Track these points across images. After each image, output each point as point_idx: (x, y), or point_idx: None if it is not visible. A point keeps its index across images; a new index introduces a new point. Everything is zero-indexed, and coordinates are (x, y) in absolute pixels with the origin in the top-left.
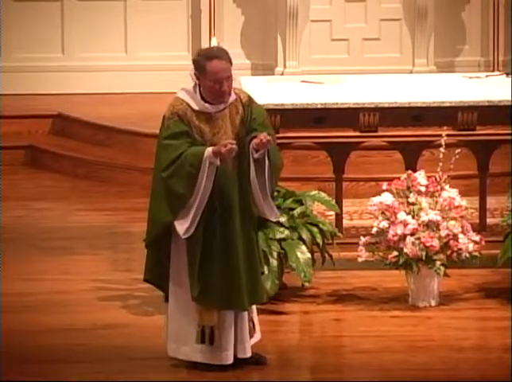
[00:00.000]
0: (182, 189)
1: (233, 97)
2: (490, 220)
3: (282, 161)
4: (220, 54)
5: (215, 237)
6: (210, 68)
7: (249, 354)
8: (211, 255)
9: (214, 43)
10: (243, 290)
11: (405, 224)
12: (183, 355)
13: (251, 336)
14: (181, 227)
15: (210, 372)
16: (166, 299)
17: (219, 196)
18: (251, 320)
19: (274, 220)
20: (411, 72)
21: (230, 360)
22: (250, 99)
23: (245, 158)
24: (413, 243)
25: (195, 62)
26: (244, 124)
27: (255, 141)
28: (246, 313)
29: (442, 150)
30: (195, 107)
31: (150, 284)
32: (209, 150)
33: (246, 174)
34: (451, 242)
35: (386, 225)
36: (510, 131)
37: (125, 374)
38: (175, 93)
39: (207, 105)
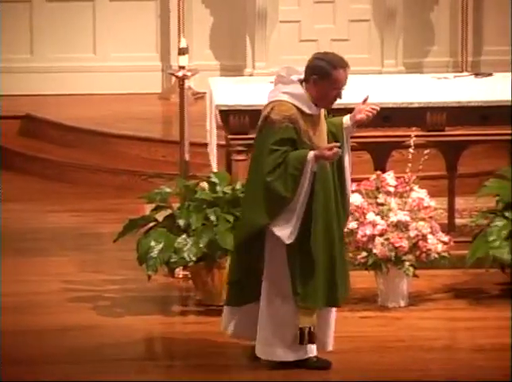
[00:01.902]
0: (285, 192)
1: None
2: (458, 221)
3: None
4: (346, 64)
5: (316, 239)
6: (336, 77)
7: (331, 348)
8: (313, 258)
9: (183, 44)
10: (340, 287)
11: (374, 225)
12: (277, 357)
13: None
14: (284, 232)
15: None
16: (230, 303)
17: (320, 197)
18: None
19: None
20: (380, 73)
21: (314, 352)
22: None
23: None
24: (382, 244)
25: (318, 67)
26: (326, 122)
27: (359, 114)
28: (331, 308)
29: (411, 150)
30: (308, 111)
31: (232, 286)
32: (311, 153)
33: (341, 172)
34: (420, 242)
35: (355, 226)
36: (478, 132)
37: (98, 375)
38: (144, 94)
39: (315, 108)
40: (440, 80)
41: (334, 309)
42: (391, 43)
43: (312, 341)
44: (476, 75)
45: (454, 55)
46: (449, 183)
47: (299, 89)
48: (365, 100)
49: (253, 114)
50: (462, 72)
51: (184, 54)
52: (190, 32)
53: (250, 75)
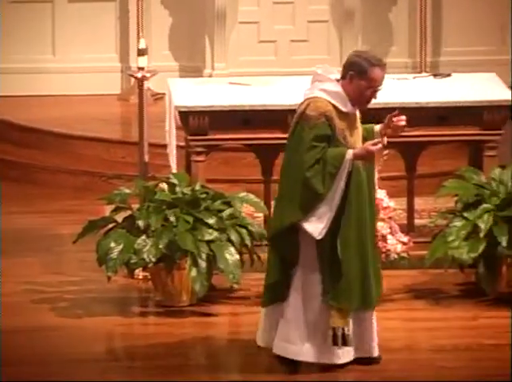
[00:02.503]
0: (322, 190)
1: None
2: (418, 221)
3: None
4: (383, 63)
5: (349, 239)
6: (372, 75)
7: (376, 354)
8: (345, 257)
9: (142, 45)
10: (373, 288)
11: None
12: (305, 356)
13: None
14: (315, 228)
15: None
16: (264, 304)
17: (353, 197)
18: None
19: None
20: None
21: (350, 358)
22: None
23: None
24: None
25: (356, 63)
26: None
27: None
28: (370, 312)
29: None
30: (343, 109)
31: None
32: (349, 152)
33: (371, 170)
34: (379, 243)
35: None
36: (437, 133)
37: (59, 376)
38: (103, 95)
39: (351, 106)
40: (398, 81)
41: (374, 312)
42: (350, 44)
43: (345, 344)
44: (435, 75)
45: (413, 56)
46: (408, 183)
47: (335, 87)
48: (394, 115)
49: (212, 115)
50: (421, 72)
51: (143, 55)
52: (149, 33)
53: (210, 76)
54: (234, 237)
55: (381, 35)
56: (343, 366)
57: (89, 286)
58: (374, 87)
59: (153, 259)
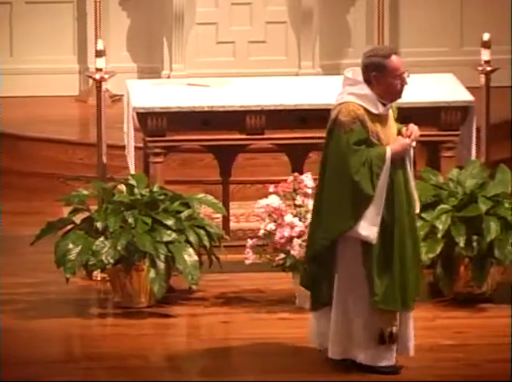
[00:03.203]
0: (372, 191)
1: None
2: None
3: None
4: (394, 50)
5: (391, 238)
6: (391, 65)
7: (412, 353)
8: (388, 257)
9: (100, 46)
10: (411, 289)
11: (292, 227)
12: (352, 356)
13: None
14: (371, 232)
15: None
16: (314, 308)
17: (394, 194)
18: None
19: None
20: (297, 75)
21: (392, 362)
22: None
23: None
24: (300, 246)
25: (372, 64)
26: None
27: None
28: (409, 311)
29: None
30: (375, 111)
31: (307, 289)
32: (388, 148)
33: (406, 168)
34: None
35: (273, 227)
36: None
37: (17, 376)
38: (61, 96)
39: (382, 107)
40: None
41: (409, 313)
42: (308, 45)
43: (393, 342)
44: None
45: None
46: None
47: (365, 89)
48: (405, 132)
49: (170, 116)
50: None
51: (101, 56)
52: (107, 34)
53: (168, 77)
54: (192, 238)
55: (339, 36)
56: (389, 368)
57: (47, 287)
58: (398, 75)
59: (112, 261)
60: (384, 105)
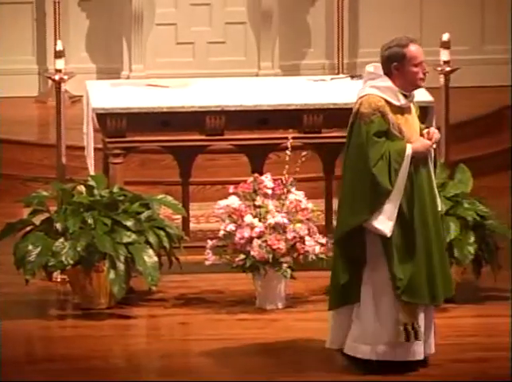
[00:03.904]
0: (389, 185)
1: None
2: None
3: None
4: (411, 39)
5: (413, 233)
6: (410, 54)
7: (433, 351)
8: (412, 251)
9: (59, 47)
10: (439, 283)
11: (252, 227)
12: (378, 355)
13: (435, 332)
14: (386, 226)
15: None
16: (336, 306)
17: (415, 189)
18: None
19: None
20: (257, 76)
21: (422, 356)
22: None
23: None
24: (260, 246)
25: (392, 55)
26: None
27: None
28: (432, 308)
29: (288, 152)
30: (396, 103)
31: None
32: (409, 146)
33: (429, 169)
34: (297, 244)
35: (233, 228)
36: None
37: None
38: (20, 97)
39: (406, 100)
40: (316, 82)
41: (431, 309)
42: (267, 45)
43: (417, 338)
44: (352, 77)
45: (330, 57)
46: (326, 185)
47: (386, 82)
48: (426, 134)
49: (130, 117)
50: (338, 74)
51: (60, 57)
52: (66, 35)
53: (127, 77)
54: (152, 239)
55: (298, 36)
56: (417, 363)
57: (7, 289)
58: (418, 63)
59: (71, 262)
60: (406, 97)
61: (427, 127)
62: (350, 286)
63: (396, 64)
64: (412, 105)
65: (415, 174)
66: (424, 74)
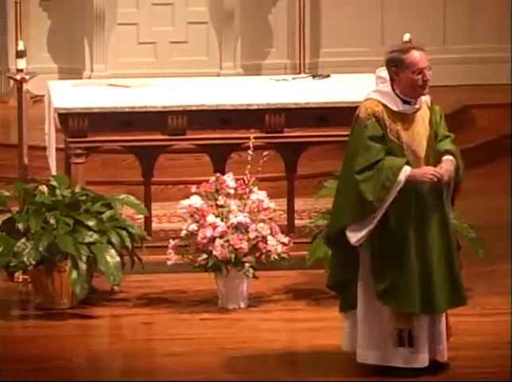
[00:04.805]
0: (372, 198)
1: (424, 97)
2: (298, 222)
3: (463, 166)
4: (415, 45)
5: (408, 240)
6: (410, 60)
7: (445, 358)
8: (399, 258)
9: (21, 47)
10: (438, 293)
11: (214, 227)
12: (375, 360)
13: (448, 337)
14: (355, 234)
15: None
16: (343, 309)
17: (414, 198)
18: (447, 322)
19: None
20: (218, 75)
21: (426, 363)
22: (431, 101)
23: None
24: (222, 246)
25: (391, 60)
26: (432, 126)
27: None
28: (443, 314)
29: (250, 152)
30: (395, 109)
31: (332, 291)
32: (407, 169)
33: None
34: (259, 244)
35: (195, 228)
36: (316, 133)
37: None
38: None
39: (406, 106)
40: (278, 82)
41: (443, 319)
42: (229, 45)
43: (411, 345)
44: (314, 76)
45: (292, 57)
46: (288, 184)
47: (386, 87)
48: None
49: (92, 117)
50: (300, 73)
51: (21, 57)
52: (28, 35)
53: (89, 77)
54: (114, 239)
55: (260, 36)
56: (417, 370)
57: None
58: (419, 69)
59: (33, 262)
60: (408, 103)
61: (451, 154)
62: (347, 291)
63: (394, 69)
64: (423, 112)
65: (413, 201)
66: (425, 81)
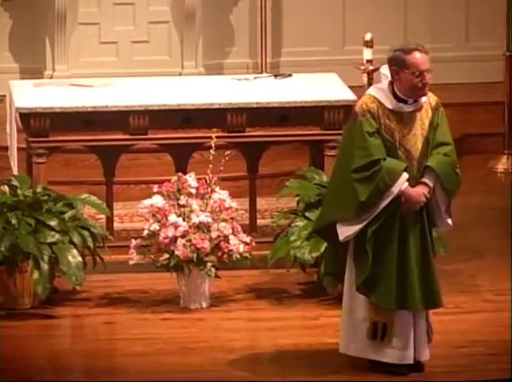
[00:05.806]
0: (364, 198)
1: (424, 98)
2: (260, 222)
3: (458, 181)
4: (419, 46)
5: (390, 240)
6: (411, 61)
7: (426, 358)
8: (381, 256)
9: None
10: (414, 292)
11: (176, 227)
12: (353, 351)
13: (429, 340)
14: (344, 229)
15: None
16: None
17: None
18: (429, 324)
19: (445, 231)
20: (180, 75)
21: (411, 360)
22: (437, 103)
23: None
24: (184, 246)
25: (393, 58)
26: (431, 128)
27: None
28: (424, 315)
29: (212, 151)
30: (389, 106)
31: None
32: (405, 175)
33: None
34: (221, 243)
35: (157, 228)
36: (278, 133)
37: None
38: None
39: (401, 104)
40: (240, 81)
41: (423, 315)
42: (191, 45)
43: (382, 339)
44: (276, 76)
45: (254, 56)
46: (250, 184)
47: (384, 84)
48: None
49: (53, 116)
50: (261, 73)
51: None
52: None
53: (50, 77)
54: (76, 239)
55: (222, 36)
56: (394, 366)
57: None
58: (419, 72)
59: None
60: (404, 102)
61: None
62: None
63: (395, 68)
64: (424, 113)
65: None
66: (424, 84)
